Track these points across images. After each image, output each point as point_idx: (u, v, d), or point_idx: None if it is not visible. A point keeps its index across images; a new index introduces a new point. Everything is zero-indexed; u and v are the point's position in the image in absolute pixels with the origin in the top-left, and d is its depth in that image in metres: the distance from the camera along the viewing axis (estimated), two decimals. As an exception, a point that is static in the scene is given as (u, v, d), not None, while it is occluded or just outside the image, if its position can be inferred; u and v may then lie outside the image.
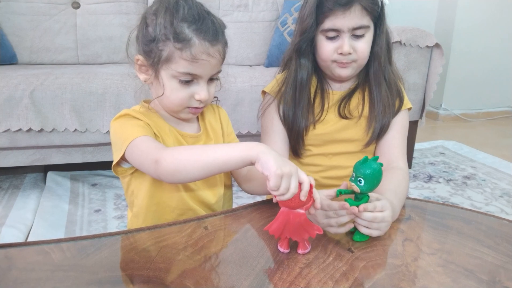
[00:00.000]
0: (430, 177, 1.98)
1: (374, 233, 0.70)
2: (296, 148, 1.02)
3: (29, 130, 1.47)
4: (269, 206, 0.82)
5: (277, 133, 1.00)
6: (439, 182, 1.93)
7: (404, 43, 1.78)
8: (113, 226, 1.47)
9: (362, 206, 0.69)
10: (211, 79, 0.80)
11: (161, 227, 0.73)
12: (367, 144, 0.99)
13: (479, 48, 2.99)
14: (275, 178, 0.60)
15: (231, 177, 0.93)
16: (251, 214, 0.80)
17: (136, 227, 0.77)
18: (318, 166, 1.02)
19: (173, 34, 0.73)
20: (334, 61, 0.93)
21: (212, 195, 0.87)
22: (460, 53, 2.96)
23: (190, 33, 0.73)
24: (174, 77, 0.76)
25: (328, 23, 0.90)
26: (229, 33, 2.22)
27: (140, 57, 0.78)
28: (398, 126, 0.99)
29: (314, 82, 1.01)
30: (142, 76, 0.81)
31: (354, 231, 0.71)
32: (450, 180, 1.96)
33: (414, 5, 2.90)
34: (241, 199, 1.61)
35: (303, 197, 0.62)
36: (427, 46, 1.82)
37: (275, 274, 0.61)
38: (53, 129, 1.50)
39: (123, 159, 0.76)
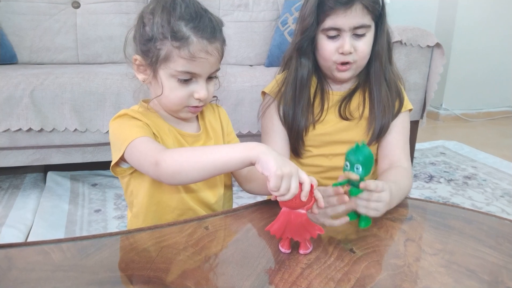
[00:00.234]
0: (431, 177, 1.98)
1: (371, 212, 0.70)
2: (296, 148, 1.01)
3: (29, 129, 1.47)
4: (270, 206, 0.81)
5: (278, 133, 1.00)
6: (440, 182, 1.93)
7: (405, 43, 1.78)
8: (113, 226, 1.47)
9: (363, 184, 0.68)
10: (210, 78, 0.79)
11: (162, 227, 0.73)
12: (367, 145, 0.99)
13: (479, 47, 2.98)
14: (275, 178, 0.60)
15: (231, 177, 0.93)
16: (252, 214, 0.79)
17: (136, 228, 0.77)
18: (318, 167, 1.02)
19: (171, 33, 0.72)
20: (335, 62, 0.93)
21: (212, 195, 0.86)
22: (460, 53, 2.96)
23: (188, 31, 0.73)
24: (173, 76, 0.75)
25: (329, 22, 0.90)
26: (230, 32, 2.23)
27: (138, 57, 0.78)
28: (400, 127, 0.98)
29: (314, 82, 1.00)
30: (140, 76, 0.80)
31: (358, 219, 0.71)
32: (451, 180, 1.95)
33: (414, 4, 2.90)
34: (242, 199, 1.60)
35: (303, 197, 0.62)
36: (428, 46, 1.81)
37: (276, 274, 0.60)
38: (53, 129, 1.49)
39: (122, 159, 0.76)
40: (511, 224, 0.78)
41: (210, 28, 0.74)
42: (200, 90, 0.77)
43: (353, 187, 0.70)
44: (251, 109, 1.64)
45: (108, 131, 1.52)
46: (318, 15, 0.90)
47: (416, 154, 2.26)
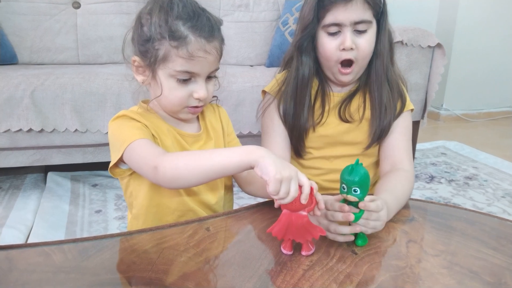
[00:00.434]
0: (432, 178, 1.98)
1: (369, 231, 0.69)
2: (297, 149, 1.01)
3: (30, 130, 1.47)
4: (271, 207, 0.81)
5: (278, 133, 1.00)
6: (441, 182, 1.93)
7: (406, 43, 1.77)
8: (114, 227, 1.46)
9: (362, 204, 0.67)
10: (209, 77, 0.79)
11: (163, 228, 0.72)
12: (368, 147, 0.98)
13: (480, 48, 2.98)
14: (274, 182, 0.60)
15: (232, 178, 0.93)
16: (253, 215, 0.79)
17: (136, 229, 0.77)
18: (319, 169, 1.01)
19: (169, 32, 0.72)
20: (338, 62, 0.92)
21: (213, 196, 0.86)
22: (461, 53, 2.96)
23: (186, 31, 0.72)
24: (172, 76, 0.75)
25: (329, 18, 0.89)
26: (230, 33, 2.22)
27: (137, 58, 0.78)
28: (401, 127, 0.98)
29: (315, 84, 0.99)
30: (139, 78, 0.80)
31: (356, 236, 0.70)
32: (452, 180, 1.95)
33: (415, 4, 2.90)
34: (243, 199, 1.60)
35: (303, 200, 0.62)
36: (429, 46, 1.81)
37: (278, 276, 0.60)
38: (54, 129, 1.49)
39: (121, 160, 0.75)
40: (513, 225, 0.78)
41: (208, 27, 0.74)
42: (199, 89, 0.77)
43: (351, 205, 0.68)
44: (251, 109, 1.64)
45: (108, 132, 1.52)
46: (318, 12, 0.90)
47: (417, 154, 2.26)
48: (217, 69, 0.79)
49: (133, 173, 0.79)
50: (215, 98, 0.89)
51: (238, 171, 0.67)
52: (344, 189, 0.67)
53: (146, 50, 0.75)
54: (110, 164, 0.77)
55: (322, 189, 1.00)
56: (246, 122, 1.66)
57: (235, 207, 0.89)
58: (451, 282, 0.60)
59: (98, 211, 1.57)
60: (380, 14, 0.92)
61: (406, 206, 0.83)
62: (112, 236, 0.70)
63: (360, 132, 0.98)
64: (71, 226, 1.45)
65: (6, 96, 1.42)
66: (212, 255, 0.65)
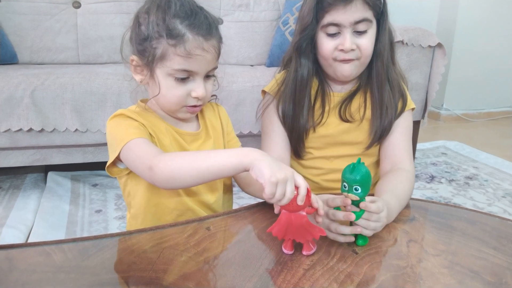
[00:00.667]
0: (432, 178, 1.98)
1: (369, 233, 0.69)
2: (297, 150, 1.01)
3: (30, 130, 1.47)
4: (271, 207, 0.81)
5: (278, 133, 0.99)
6: (441, 182, 1.93)
7: (406, 43, 1.77)
8: (114, 226, 1.46)
9: (363, 204, 0.67)
10: (208, 76, 0.79)
11: (163, 228, 0.72)
12: (369, 147, 0.98)
13: (480, 48, 2.98)
14: (269, 185, 0.60)
15: (231, 178, 0.93)
16: (253, 215, 0.79)
17: (136, 229, 0.77)
18: (320, 169, 1.01)
19: (166, 31, 0.72)
20: (335, 59, 0.91)
21: (211, 196, 0.86)
22: (461, 53, 2.95)
23: (183, 29, 0.72)
24: (170, 75, 0.75)
25: (328, 18, 0.88)
26: (230, 32, 2.22)
27: (135, 57, 0.78)
28: (402, 127, 0.97)
29: (315, 84, 0.99)
30: (137, 77, 0.80)
31: (356, 236, 0.70)
32: (452, 180, 1.95)
33: (415, 4, 2.90)
34: (243, 199, 1.60)
35: (300, 201, 0.62)
36: (429, 46, 1.81)
37: (279, 275, 0.60)
38: (54, 129, 1.49)
39: (118, 159, 0.75)
40: (514, 225, 0.78)
41: (205, 25, 0.74)
42: (197, 88, 0.76)
43: (352, 205, 0.69)
44: (252, 109, 1.64)
45: (109, 132, 1.52)
46: (318, 13, 0.89)
47: (417, 154, 2.26)
48: (215, 68, 0.79)
49: (130, 172, 0.79)
50: (215, 97, 0.89)
51: (234, 173, 0.67)
52: (345, 187, 0.67)
53: (144, 49, 0.75)
54: (107, 164, 0.77)
55: (322, 189, 1.00)
56: (246, 122, 1.66)
57: (235, 207, 0.89)
58: (452, 281, 0.60)
59: (98, 211, 1.57)
60: (380, 14, 0.91)
61: (406, 206, 0.83)
62: (112, 235, 0.70)
63: (361, 132, 0.98)
64: (71, 226, 1.45)
65: (7, 96, 1.42)
66: (212, 255, 0.65)
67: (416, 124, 1.94)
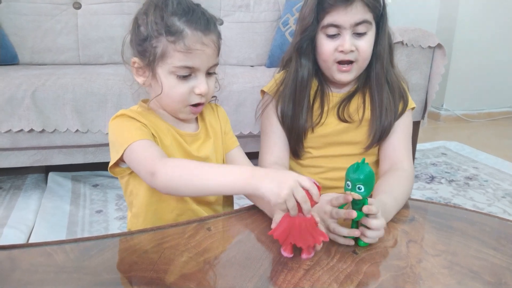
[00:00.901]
0: (432, 178, 1.98)
1: (371, 241, 0.69)
2: (296, 150, 1.01)
3: (31, 130, 1.47)
4: (272, 207, 0.81)
5: (277, 134, 1.00)
6: (441, 182, 1.93)
7: (406, 44, 1.78)
8: (115, 227, 1.47)
9: (366, 208, 0.67)
10: (209, 74, 0.79)
11: (164, 228, 0.73)
12: (368, 147, 0.98)
13: (480, 48, 2.98)
14: (279, 207, 0.60)
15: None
16: (254, 216, 0.79)
17: (135, 228, 0.77)
18: (319, 168, 1.01)
19: (165, 28, 0.73)
20: (335, 62, 0.92)
21: (212, 196, 0.86)
22: (461, 54, 2.96)
23: (182, 25, 0.73)
24: (172, 73, 0.75)
25: (328, 19, 0.89)
26: (231, 33, 2.22)
27: (136, 59, 0.78)
28: (402, 127, 0.98)
29: (314, 84, 0.99)
30: (140, 79, 0.80)
31: (356, 238, 0.70)
32: (452, 180, 1.95)
33: (415, 4, 2.90)
34: (244, 199, 1.60)
35: (316, 199, 0.61)
36: (429, 47, 1.81)
37: (279, 276, 0.60)
38: (55, 129, 1.49)
39: (121, 159, 0.76)
40: (513, 225, 0.78)
41: (203, 20, 0.75)
42: (200, 84, 0.77)
43: (355, 204, 0.69)
44: (252, 109, 1.63)
45: (109, 132, 1.52)
46: (318, 14, 0.90)
47: (417, 154, 2.26)
48: (216, 65, 0.79)
49: (132, 171, 0.79)
50: (215, 98, 0.90)
51: (231, 193, 0.68)
52: (349, 186, 0.68)
53: (144, 49, 0.75)
54: (110, 164, 0.77)
55: (322, 187, 1.00)
56: (246, 122, 1.66)
57: (236, 207, 0.89)
58: (452, 282, 0.60)
59: (99, 211, 1.57)
60: (379, 17, 0.92)
61: (406, 206, 0.84)
62: (113, 236, 0.70)
63: (360, 132, 0.98)
64: (72, 226, 1.46)
65: (7, 97, 1.43)
66: (213, 255, 0.65)
67: (416, 125, 1.94)
